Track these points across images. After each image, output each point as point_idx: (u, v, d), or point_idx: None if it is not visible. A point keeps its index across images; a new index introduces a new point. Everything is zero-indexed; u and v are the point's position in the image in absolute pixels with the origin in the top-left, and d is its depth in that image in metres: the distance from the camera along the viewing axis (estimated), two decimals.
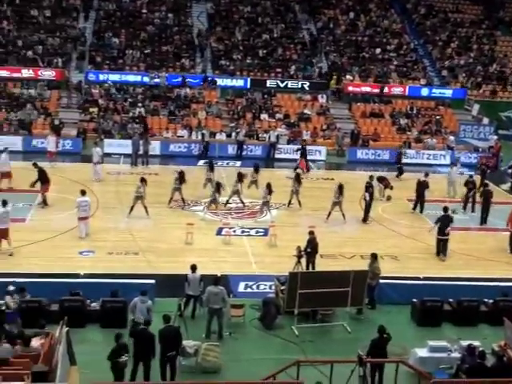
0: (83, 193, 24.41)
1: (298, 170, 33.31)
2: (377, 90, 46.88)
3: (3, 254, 22.12)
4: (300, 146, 37.08)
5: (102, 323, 17.95)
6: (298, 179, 28.60)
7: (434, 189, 30.38)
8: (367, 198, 27.47)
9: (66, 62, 45.45)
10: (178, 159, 36.39)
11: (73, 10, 49.85)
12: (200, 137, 38.67)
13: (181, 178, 27.89)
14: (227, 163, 36.68)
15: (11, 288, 17.26)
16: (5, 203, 22.36)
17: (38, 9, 48.79)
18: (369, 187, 27.63)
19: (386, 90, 46.75)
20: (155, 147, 37.17)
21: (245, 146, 38.61)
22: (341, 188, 26.89)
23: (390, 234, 26.60)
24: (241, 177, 28.31)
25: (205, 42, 48.60)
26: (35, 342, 14.62)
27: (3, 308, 17.79)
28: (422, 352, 16.53)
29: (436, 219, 24.58)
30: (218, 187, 27.15)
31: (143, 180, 26.57)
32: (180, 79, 44.82)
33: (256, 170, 29.89)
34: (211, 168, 29.85)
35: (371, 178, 28.30)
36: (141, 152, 35.07)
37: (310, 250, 21.44)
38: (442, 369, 16.03)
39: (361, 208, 28.13)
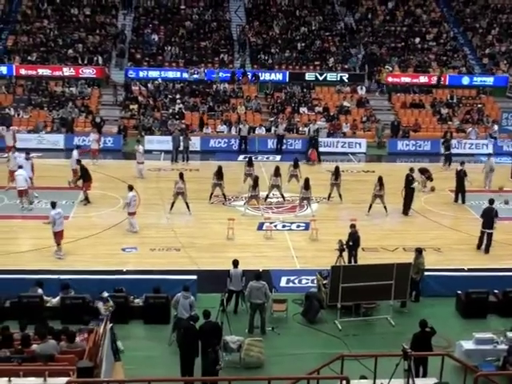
0: (131, 188, 24.55)
1: (337, 164, 33.06)
2: (416, 80, 46.37)
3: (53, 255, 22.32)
4: (311, 137, 37.26)
5: (145, 319, 18.06)
6: (336, 172, 28.35)
7: (475, 179, 29.99)
8: (421, 186, 27.26)
9: (106, 60, 45.83)
10: (218, 154, 36.44)
11: (112, 7, 50.26)
12: (237, 132, 38.69)
13: (218, 173, 27.82)
14: (267, 158, 36.58)
15: (105, 294, 16.93)
16: (54, 205, 22.46)
17: (78, 7, 49.25)
18: (412, 180, 27.30)
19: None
20: (195, 143, 37.27)
21: (284, 140, 38.46)
22: (380, 180, 26.62)
23: (433, 226, 26.29)
24: (277, 171, 28.17)
25: (243, 37, 48.55)
26: (79, 338, 14.75)
27: (49, 305, 18.07)
28: (468, 344, 16.31)
29: (482, 212, 24.13)
30: (255, 182, 26.99)
31: (182, 176, 26.60)
32: (229, 74, 44.88)
33: (295, 165, 29.68)
34: (250, 163, 29.74)
35: (412, 170, 28.01)
36: (181, 148, 35.21)
37: (352, 243, 21.30)
38: (488, 361, 15.81)
39: (402, 200, 27.81)
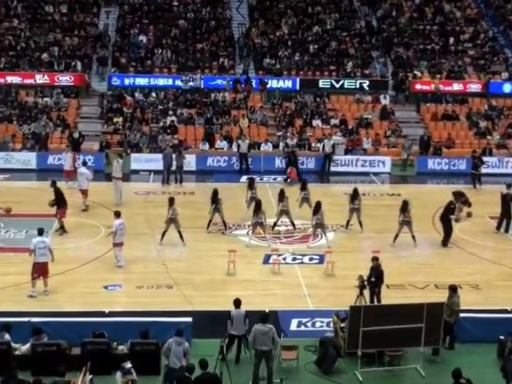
0: (118, 215, 24.58)
1: (356, 185, 33.04)
2: (450, 88, 46.51)
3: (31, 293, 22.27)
4: (288, 153, 37.49)
5: None
6: (355, 196, 28.29)
7: None
8: (457, 212, 27.16)
9: (86, 66, 46.05)
10: (218, 175, 36.50)
11: (93, 4, 50.56)
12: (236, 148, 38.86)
13: (213, 197, 27.86)
14: (274, 179, 36.68)
15: (128, 365, 16.50)
16: (41, 232, 22.45)
17: (53, 4, 49.66)
18: (450, 208, 27.25)
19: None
20: (190, 162, 37.38)
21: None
22: (406, 205, 26.52)
23: (471, 259, 26.21)
24: (282, 195, 28.11)
25: (245, 38, 48.75)
26: None
27: (17, 353, 18.01)
28: None
29: None
30: (258, 207, 26.93)
31: (172, 200, 26.56)
32: (230, 82, 45.18)
33: (303, 187, 29.59)
34: (251, 185, 29.61)
35: (455, 194, 28.05)
36: (174, 168, 35.28)
37: (375, 279, 21.22)
38: None
39: (434, 228, 27.80)
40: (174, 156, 35.43)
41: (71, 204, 28.69)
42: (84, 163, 31.89)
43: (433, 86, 46.11)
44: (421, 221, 28.02)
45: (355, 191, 28.51)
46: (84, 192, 30.38)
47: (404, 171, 39.19)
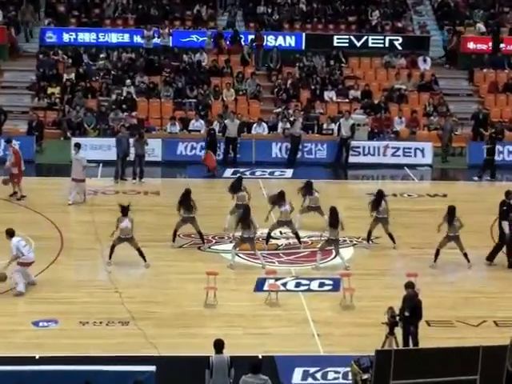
0: (12, 233, 24.32)
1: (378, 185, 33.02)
2: None
3: None
4: (209, 129, 38.19)
5: None
6: (379, 201, 28.01)
7: None
8: (507, 231, 27.04)
9: (11, 16, 45.99)
10: (192, 168, 36.58)
11: None
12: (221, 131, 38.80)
13: (184, 200, 27.56)
14: (271, 173, 36.84)
15: None
16: None
17: None
18: (508, 211, 27.23)
19: None
20: (154, 149, 37.46)
21: (300, 145, 38.48)
22: (451, 213, 26.40)
23: None
24: (282, 199, 27.86)
25: None
26: None
27: None
28: None
29: None
30: (245, 215, 26.70)
31: (125, 210, 26.15)
32: (206, 38, 45.47)
33: (307, 189, 29.35)
34: (237, 187, 29.41)
35: (509, 194, 27.97)
36: (131, 157, 35.27)
37: (409, 313, 21.25)
38: None
39: (493, 242, 27.84)
40: (131, 141, 35.43)
41: None
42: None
43: None
44: (474, 231, 28.07)
45: (379, 196, 28.27)
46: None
47: (453, 163, 39.26)
